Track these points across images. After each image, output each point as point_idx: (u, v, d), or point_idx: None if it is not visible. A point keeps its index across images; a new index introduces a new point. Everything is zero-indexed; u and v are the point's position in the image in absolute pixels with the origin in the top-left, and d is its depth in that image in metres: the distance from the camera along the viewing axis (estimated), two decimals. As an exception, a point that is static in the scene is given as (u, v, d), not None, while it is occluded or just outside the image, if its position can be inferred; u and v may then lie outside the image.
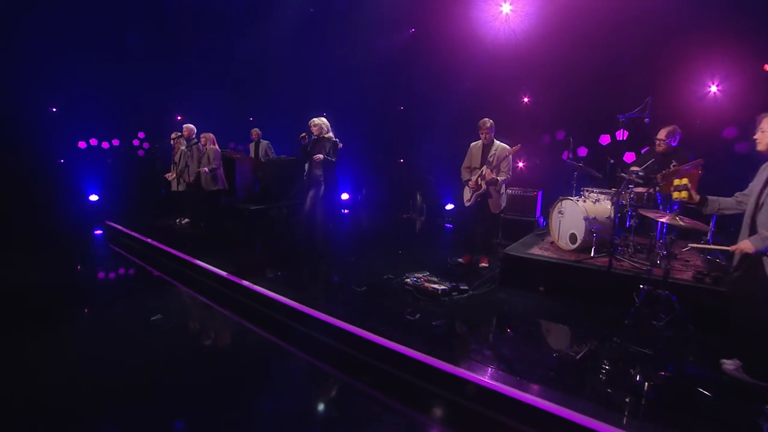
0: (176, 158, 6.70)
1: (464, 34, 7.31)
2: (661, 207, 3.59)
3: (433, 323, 3.30)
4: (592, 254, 3.95)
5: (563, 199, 4.35)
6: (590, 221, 3.99)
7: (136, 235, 6.24)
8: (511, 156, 4.36)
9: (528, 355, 2.89)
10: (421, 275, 4.11)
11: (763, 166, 2.48)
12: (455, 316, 3.52)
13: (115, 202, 8.58)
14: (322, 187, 5.10)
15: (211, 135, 6.42)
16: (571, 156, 4.97)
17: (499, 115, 7.35)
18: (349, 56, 8.86)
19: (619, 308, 3.37)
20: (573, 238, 4.19)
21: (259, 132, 8.13)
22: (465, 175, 4.66)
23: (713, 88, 5.54)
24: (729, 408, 2.31)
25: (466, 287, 3.91)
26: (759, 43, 5.02)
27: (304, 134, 4.99)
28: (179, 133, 6.84)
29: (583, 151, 6.79)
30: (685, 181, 2.60)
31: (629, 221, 3.92)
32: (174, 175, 6.86)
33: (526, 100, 7.26)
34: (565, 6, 6.21)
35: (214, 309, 4.14)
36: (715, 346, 2.78)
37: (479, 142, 4.59)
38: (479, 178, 4.46)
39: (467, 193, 4.64)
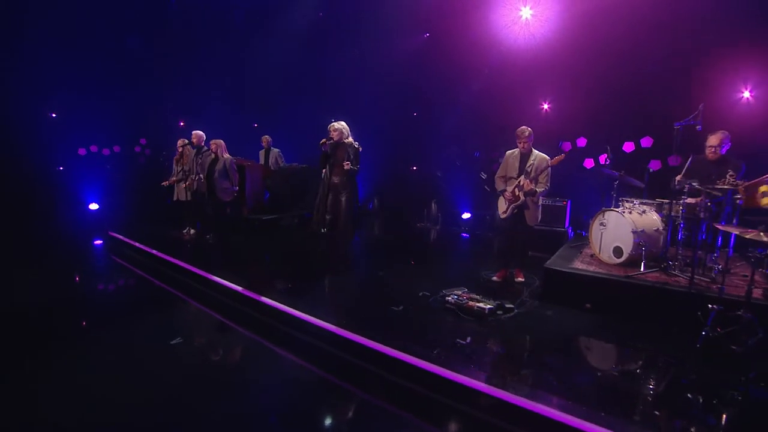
0: (186, 166, 6.39)
1: (482, 39, 7.13)
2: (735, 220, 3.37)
3: (488, 347, 3.04)
4: (641, 269, 3.72)
5: (606, 211, 4.13)
6: (638, 234, 3.77)
7: (142, 247, 5.90)
8: (550, 167, 4.12)
9: (598, 384, 2.64)
10: (459, 292, 3.84)
11: None
12: (508, 339, 3.25)
13: (117, 211, 8.21)
14: (343, 196, 4.83)
15: (222, 142, 6.12)
16: (608, 164, 4.74)
17: (518, 122, 7.27)
18: (360, 61, 8.64)
19: (682, 329, 3.15)
20: (618, 251, 3.96)
21: (270, 139, 7.86)
22: (500, 185, 4.42)
23: (746, 94, 5.40)
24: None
25: (512, 305, 3.65)
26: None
27: (324, 140, 4.73)
28: (186, 141, 6.54)
29: (603, 158, 6.60)
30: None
31: (681, 234, 3.70)
32: (174, 180, 6.58)
33: (546, 106, 7.08)
34: (587, 12, 6.05)
35: (235, 330, 3.82)
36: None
37: (515, 150, 4.35)
38: (516, 189, 4.22)
39: (503, 205, 4.39)
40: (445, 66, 7.75)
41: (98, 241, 6.97)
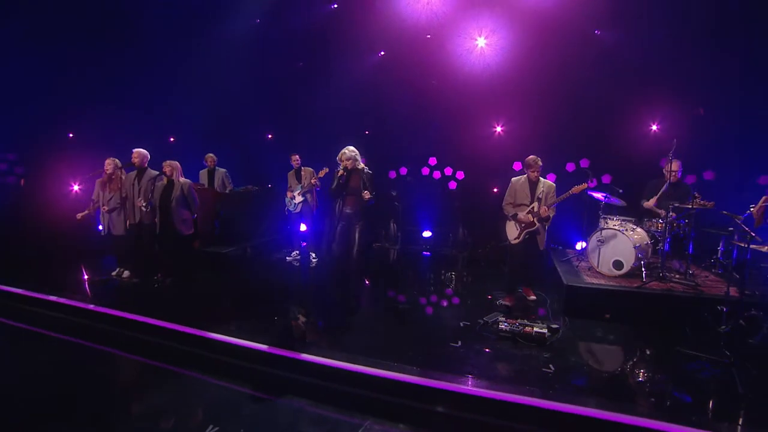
0: (123, 192, 5.10)
1: (438, 64, 7.44)
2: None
3: (579, 371, 3.11)
4: (644, 279, 4.30)
5: (604, 229, 4.65)
6: (639, 249, 4.35)
7: (70, 302, 4.43)
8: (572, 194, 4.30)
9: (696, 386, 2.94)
10: (502, 318, 3.86)
11: None
12: (585, 360, 3.39)
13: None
14: (357, 227, 4.46)
15: (178, 164, 5.06)
16: (593, 186, 5.37)
17: (472, 142, 7.79)
18: (310, 75, 8.17)
19: (694, 329, 3.73)
20: (618, 264, 4.49)
21: (215, 158, 6.79)
22: (510, 211, 4.51)
23: (654, 127, 6.76)
24: None
25: (557, 326, 3.82)
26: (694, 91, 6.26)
27: (341, 172, 4.32)
28: (118, 162, 5.24)
29: (552, 177, 7.47)
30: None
31: (668, 246, 4.41)
32: (91, 210, 5.28)
33: (498, 129, 7.69)
34: (537, 44, 6.79)
35: (271, 401, 3.10)
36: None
37: (522, 178, 4.51)
38: (531, 215, 4.36)
39: (514, 230, 4.48)
40: (401, 87, 7.83)
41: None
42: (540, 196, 4.37)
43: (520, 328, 3.63)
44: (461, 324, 3.97)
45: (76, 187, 8.92)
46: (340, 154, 4.42)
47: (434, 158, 8.35)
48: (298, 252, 6.56)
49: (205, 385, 3.33)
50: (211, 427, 2.74)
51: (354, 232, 4.43)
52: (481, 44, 7.19)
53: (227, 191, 6.83)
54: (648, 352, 3.59)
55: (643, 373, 3.26)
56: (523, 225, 4.42)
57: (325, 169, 5.72)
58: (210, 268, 5.80)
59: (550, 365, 3.19)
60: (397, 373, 2.99)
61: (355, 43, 7.74)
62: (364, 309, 4.43)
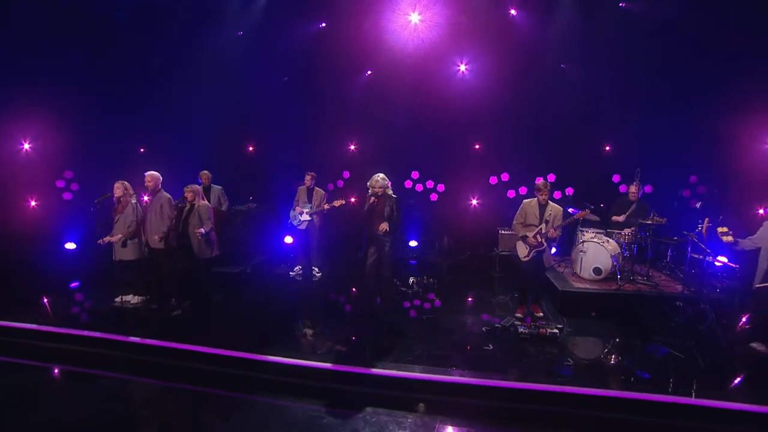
0: (136, 217, 5.01)
1: (422, 85, 8.05)
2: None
3: (593, 362, 3.89)
4: (619, 282, 5.29)
5: (585, 241, 5.57)
6: (614, 257, 5.33)
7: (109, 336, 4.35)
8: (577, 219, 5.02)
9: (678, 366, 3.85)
10: (518, 322, 4.58)
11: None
12: (591, 352, 4.22)
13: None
14: (387, 247, 4.91)
15: (198, 188, 5.11)
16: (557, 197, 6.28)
17: (455, 157, 8.50)
18: (294, 88, 8.35)
19: (658, 321, 4.73)
20: (598, 271, 5.43)
21: (210, 175, 6.75)
22: (521, 231, 4.87)
23: (607, 148, 8.00)
24: None
25: (561, 325, 4.60)
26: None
27: (373, 199, 4.73)
28: (129, 187, 5.13)
29: (523, 190, 8.43)
30: (725, 229, 4.07)
31: (635, 253, 5.45)
32: (110, 239, 5.15)
33: (477, 146, 8.50)
34: (514, 70, 7.65)
35: (353, 416, 3.43)
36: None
37: (533, 200, 4.87)
38: (539, 235, 4.79)
39: (523, 249, 4.87)
40: (386, 105, 8.32)
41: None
42: (548, 219, 4.71)
43: (536, 330, 4.37)
44: (483, 329, 4.61)
45: (33, 203, 8.23)
46: (372, 181, 4.80)
47: (416, 172, 8.93)
48: (300, 267, 6.79)
49: (281, 409, 3.50)
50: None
51: (383, 253, 4.87)
52: (462, 69, 7.92)
53: (223, 209, 6.85)
54: (632, 342, 4.48)
55: (636, 358, 4.13)
56: (532, 245, 4.86)
57: (342, 201, 5.99)
58: (220, 289, 5.84)
59: (569, 359, 3.95)
60: (456, 377, 3.55)
61: (344, 62, 8.06)
62: (396, 321, 4.89)
